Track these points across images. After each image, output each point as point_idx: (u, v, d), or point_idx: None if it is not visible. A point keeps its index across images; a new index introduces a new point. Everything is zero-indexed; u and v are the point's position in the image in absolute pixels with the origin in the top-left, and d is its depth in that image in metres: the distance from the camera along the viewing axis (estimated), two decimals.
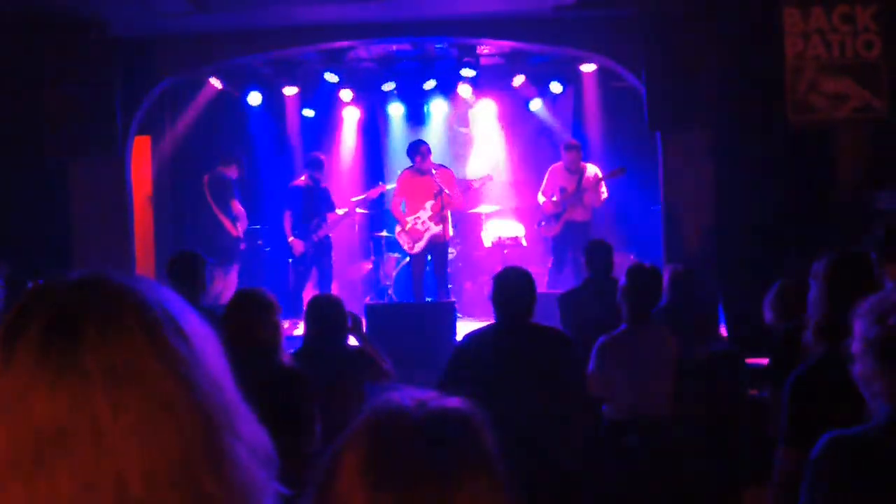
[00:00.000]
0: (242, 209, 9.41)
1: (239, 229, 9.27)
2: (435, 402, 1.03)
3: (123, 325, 0.85)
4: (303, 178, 9.28)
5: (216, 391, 0.89)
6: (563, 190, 8.96)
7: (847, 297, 2.70)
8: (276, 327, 3.70)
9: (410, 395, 1.04)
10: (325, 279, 9.24)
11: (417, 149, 8.69)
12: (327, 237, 9.27)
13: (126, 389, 0.82)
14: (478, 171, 11.35)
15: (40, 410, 0.80)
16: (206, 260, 5.18)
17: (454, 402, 1.04)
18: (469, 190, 9.04)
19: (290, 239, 9.14)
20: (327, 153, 11.31)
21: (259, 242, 10.14)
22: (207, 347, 0.92)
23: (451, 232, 8.86)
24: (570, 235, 8.85)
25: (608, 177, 8.87)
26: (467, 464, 0.98)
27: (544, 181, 9.22)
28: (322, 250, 9.22)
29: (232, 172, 9.36)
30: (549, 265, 9.23)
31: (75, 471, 0.79)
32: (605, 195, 8.97)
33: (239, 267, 9.37)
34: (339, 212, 9.41)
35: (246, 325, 3.57)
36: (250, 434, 0.92)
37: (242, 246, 9.45)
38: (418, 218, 8.79)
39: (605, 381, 4.48)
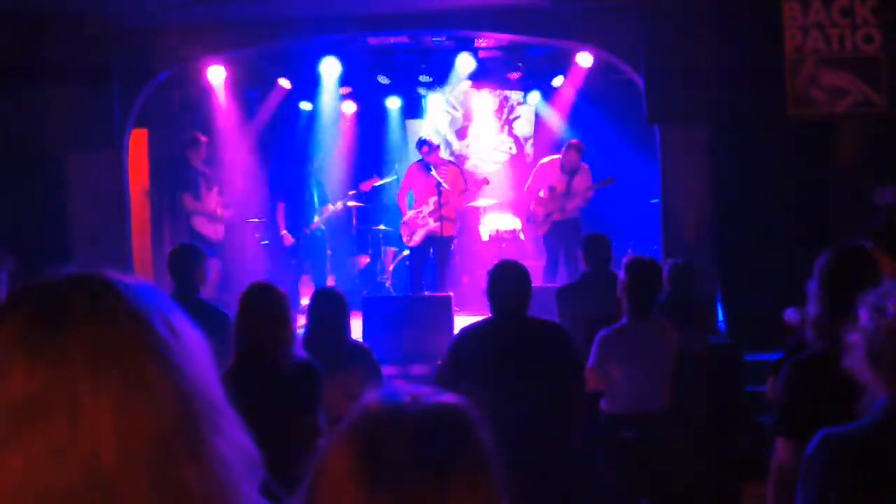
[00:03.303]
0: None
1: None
2: (430, 398, 1.02)
3: (110, 308, 0.88)
4: (299, 170, 9.24)
5: (201, 386, 0.90)
6: (552, 189, 8.88)
7: (844, 292, 2.69)
8: (291, 320, 3.68)
9: (405, 391, 1.03)
10: (318, 272, 9.19)
11: (424, 143, 8.82)
12: (320, 229, 9.20)
13: (107, 368, 0.84)
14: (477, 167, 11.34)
15: (16, 385, 0.82)
16: (205, 252, 5.15)
17: (448, 397, 1.04)
18: (465, 192, 9.03)
19: (283, 232, 9.11)
20: (325, 146, 11.28)
21: (256, 235, 10.12)
22: (195, 346, 0.93)
23: (454, 230, 8.88)
24: (561, 232, 8.82)
25: (597, 186, 8.78)
26: (462, 459, 0.97)
27: (531, 177, 9.17)
28: (315, 242, 9.14)
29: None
30: (544, 263, 9.20)
31: (48, 441, 0.81)
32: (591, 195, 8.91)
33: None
34: (336, 205, 9.36)
35: (262, 320, 3.57)
36: (235, 436, 0.93)
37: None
38: (420, 212, 8.84)
39: (604, 374, 4.46)
